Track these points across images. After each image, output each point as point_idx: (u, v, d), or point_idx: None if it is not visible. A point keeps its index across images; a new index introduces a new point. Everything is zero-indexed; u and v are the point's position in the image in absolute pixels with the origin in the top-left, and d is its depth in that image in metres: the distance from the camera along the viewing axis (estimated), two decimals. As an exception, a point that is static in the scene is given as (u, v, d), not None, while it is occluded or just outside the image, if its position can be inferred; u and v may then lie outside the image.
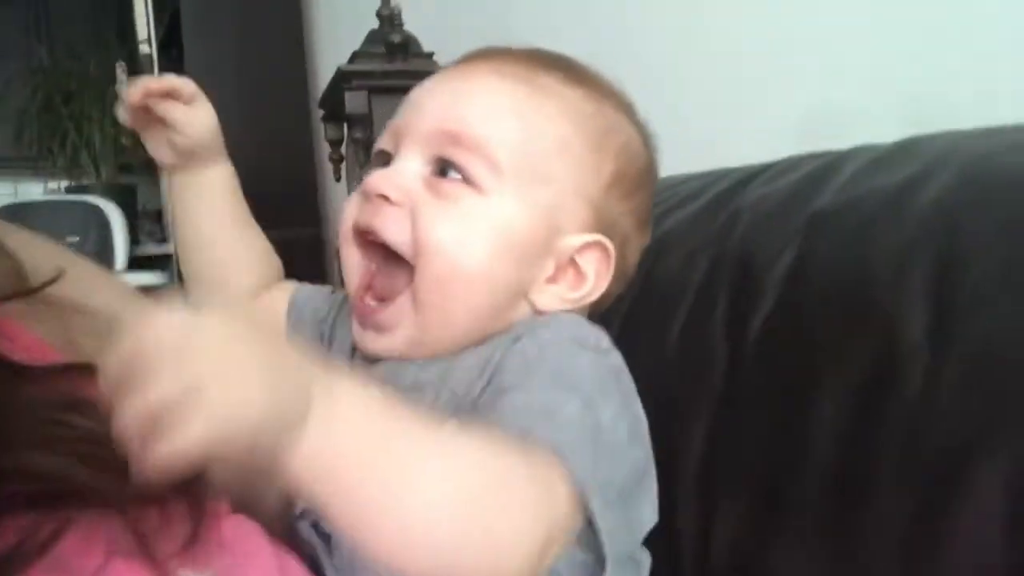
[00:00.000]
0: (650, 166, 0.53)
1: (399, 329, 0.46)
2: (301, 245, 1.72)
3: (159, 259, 2.51)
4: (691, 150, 0.84)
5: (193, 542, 0.38)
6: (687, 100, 1.01)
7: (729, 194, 0.66)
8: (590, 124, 0.49)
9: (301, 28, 2.32)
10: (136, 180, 2.78)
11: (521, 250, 0.46)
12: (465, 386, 0.43)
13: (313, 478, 0.29)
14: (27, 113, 2.63)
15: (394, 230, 0.46)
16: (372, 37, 1.43)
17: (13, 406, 0.36)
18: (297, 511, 0.47)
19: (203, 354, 0.26)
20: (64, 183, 2.74)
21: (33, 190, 2.87)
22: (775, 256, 0.57)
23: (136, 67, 2.71)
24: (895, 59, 0.81)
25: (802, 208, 0.58)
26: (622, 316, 0.68)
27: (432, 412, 0.37)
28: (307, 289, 0.59)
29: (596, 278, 0.48)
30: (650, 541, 0.62)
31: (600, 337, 0.45)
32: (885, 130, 0.62)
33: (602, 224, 0.49)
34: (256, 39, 2.23)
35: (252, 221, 0.60)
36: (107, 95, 2.70)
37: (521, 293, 0.47)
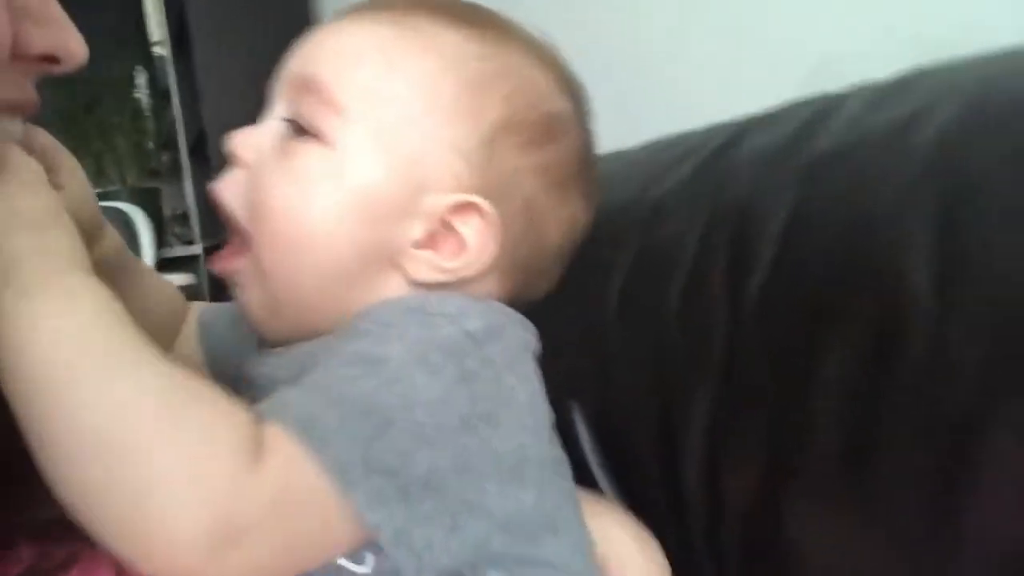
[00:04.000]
0: (565, 116, 0.45)
1: (249, 289, 0.43)
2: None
3: (187, 260, 2.53)
4: (690, 107, 0.80)
5: None
6: (685, 54, 0.96)
7: (724, 148, 0.62)
8: (470, 66, 0.42)
9: (308, 20, 2.30)
10: (161, 184, 2.81)
11: (377, 208, 0.41)
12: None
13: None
14: (52, 126, 2.66)
15: (231, 196, 0.43)
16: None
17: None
18: None
19: None
20: (90, 190, 2.78)
21: (63, 200, 2.91)
22: (772, 210, 0.53)
23: (153, 69, 2.73)
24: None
25: (798, 157, 0.54)
26: (618, 288, 0.64)
27: None
28: (213, 307, 0.55)
29: (480, 246, 0.42)
30: (658, 518, 0.59)
31: (446, 302, 0.39)
32: (893, 70, 0.57)
33: (487, 181, 0.42)
34: (265, 33, 2.22)
35: (142, 269, 0.53)
36: (128, 100, 2.72)
37: (386, 260, 0.42)
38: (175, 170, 3.04)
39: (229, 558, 0.30)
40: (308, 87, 0.42)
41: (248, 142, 0.43)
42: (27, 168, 0.37)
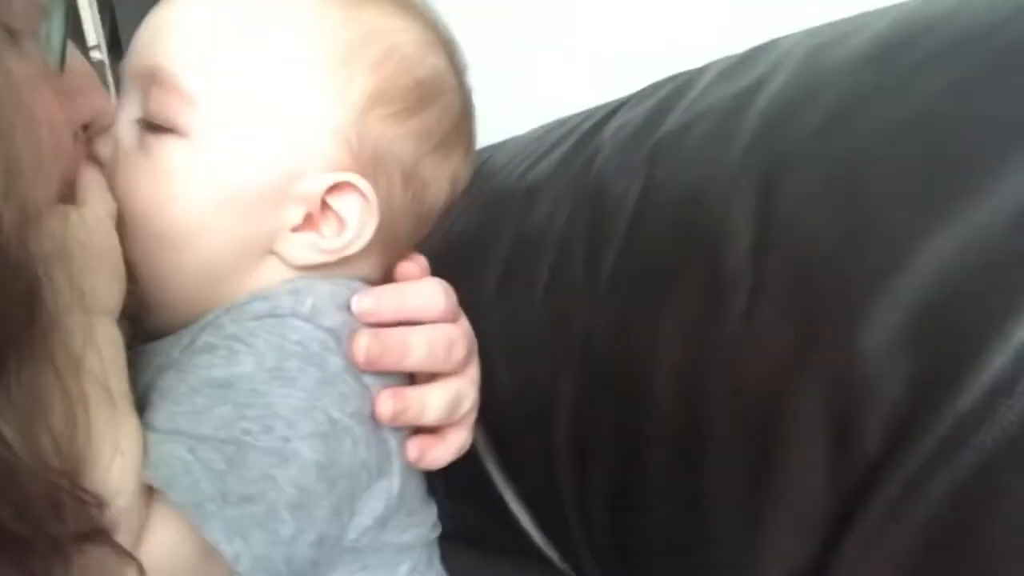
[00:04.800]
0: (438, 76, 0.43)
1: None
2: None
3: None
4: (579, 88, 0.80)
5: None
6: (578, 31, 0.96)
7: (592, 131, 0.62)
8: (335, 35, 0.40)
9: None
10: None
11: (248, 199, 0.39)
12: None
13: None
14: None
15: None
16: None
17: None
18: None
19: None
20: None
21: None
22: (625, 190, 0.54)
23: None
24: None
25: (650, 135, 0.54)
26: (496, 273, 0.65)
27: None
28: None
29: (360, 224, 0.40)
30: (535, 495, 0.60)
31: (299, 300, 0.38)
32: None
33: (363, 156, 0.40)
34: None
35: None
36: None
37: (264, 247, 0.40)
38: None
39: None
40: (154, 80, 0.39)
41: (105, 136, 0.40)
42: (103, 205, 0.38)
